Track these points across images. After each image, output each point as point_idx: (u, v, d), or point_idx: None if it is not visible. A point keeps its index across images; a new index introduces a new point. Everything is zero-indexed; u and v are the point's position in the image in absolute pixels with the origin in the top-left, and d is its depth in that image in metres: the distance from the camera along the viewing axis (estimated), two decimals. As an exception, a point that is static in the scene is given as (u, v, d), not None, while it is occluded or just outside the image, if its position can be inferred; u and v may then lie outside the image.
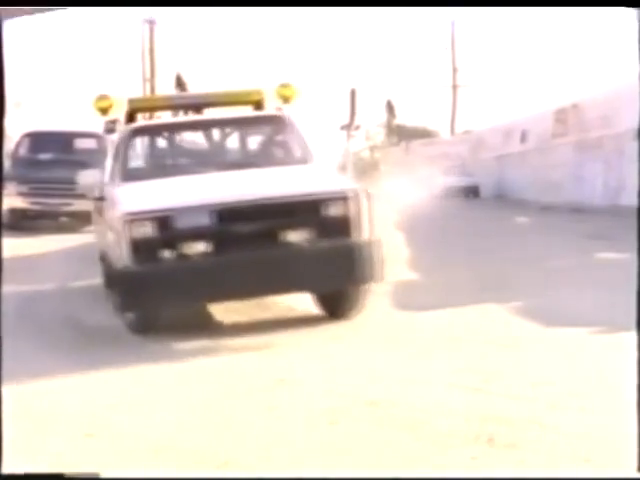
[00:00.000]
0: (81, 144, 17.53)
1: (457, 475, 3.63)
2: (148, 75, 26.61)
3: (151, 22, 26.04)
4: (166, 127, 8.36)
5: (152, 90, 26.32)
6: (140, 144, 8.09)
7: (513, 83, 57.50)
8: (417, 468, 3.74)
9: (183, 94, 8.33)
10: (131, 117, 8.42)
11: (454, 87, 37.74)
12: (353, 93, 32.45)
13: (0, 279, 4.16)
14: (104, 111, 8.32)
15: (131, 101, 8.43)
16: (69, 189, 15.25)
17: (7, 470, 3.60)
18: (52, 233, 14.56)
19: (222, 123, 8.24)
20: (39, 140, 17.10)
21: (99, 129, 17.47)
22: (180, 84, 7.60)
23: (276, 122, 7.87)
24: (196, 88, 8.42)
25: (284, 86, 8.06)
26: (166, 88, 25.59)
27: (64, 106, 23.12)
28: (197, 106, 8.44)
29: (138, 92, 26.14)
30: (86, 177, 7.92)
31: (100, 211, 7.91)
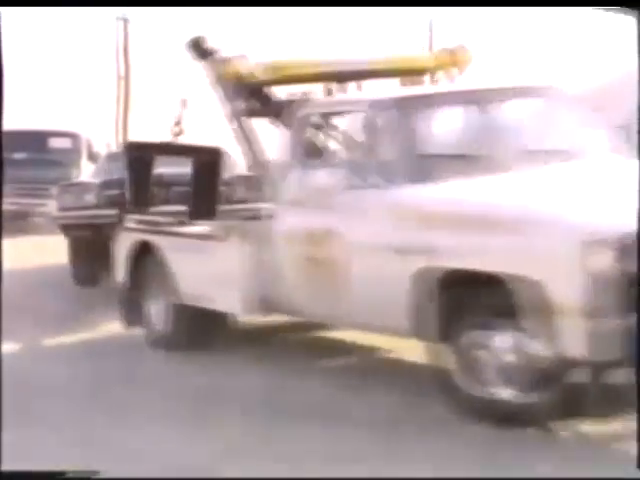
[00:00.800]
0: (55, 143, 17.33)
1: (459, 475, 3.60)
2: (122, 73, 26.37)
3: (125, 19, 25.85)
4: (436, 99, 5.71)
5: (127, 88, 26.05)
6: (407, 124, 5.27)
7: (494, 80, 57.30)
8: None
9: (339, 60, 6.62)
10: (256, 91, 6.24)
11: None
12: (329, 92, 32.28)
13: (0, 279, 4.05)
14: (240, 78, 6.16)
15: (270, 68, 6.21)
16: (44, 189, 15.07)
17: (7, 468, 3.53)
18: (30, 234, 14.29)
19: (506, 94, 5.64)
20: (12, 139, 16.85)
21: (72, 127, 17.44)
22: (206, 53, 5.85)
23: (557, 97, 5.75)
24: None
25: (458, 49, 6.53)
26: (141, 86, 25.38)
27: (37, 103, 22.82)
28: (357, 76, 6.47)
29: (112, 90, 25.88)
30: (321, 179, 5.12)
31: (264, 234, 5.57)
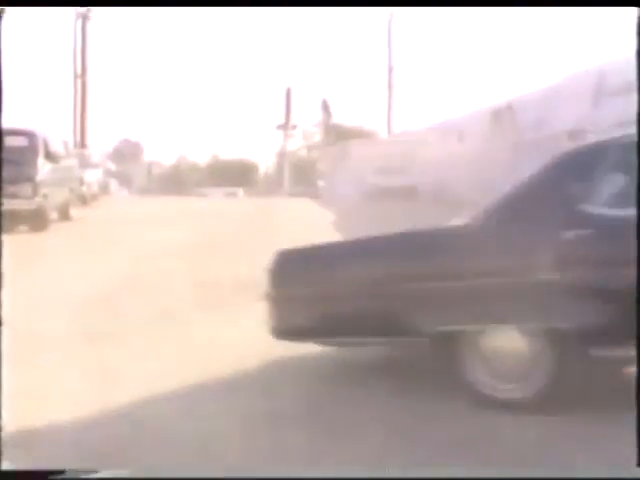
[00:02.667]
0: (11, 142, 17.01)
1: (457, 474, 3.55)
2: (79, 71, 26.07)
3: (84, 17, 25.56)
4: None
5: (83, 87, 25.75)
6: None
7: (450, 82, 57.97)
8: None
9: None
10: None
11: (390, 86, 37.91)
12: (288, 92, 32.33)
13: (0, 278, 3.91)
14: None
15: None
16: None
17: (7, 466, 3.48)
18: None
19: None
20: (-33, 138, 16.52)
21: (28, 126, 17.14)
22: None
23: None
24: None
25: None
26: (98, 85, 25.11)
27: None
28: None
29: (69, 89, 25.59)
30: None
31: None
